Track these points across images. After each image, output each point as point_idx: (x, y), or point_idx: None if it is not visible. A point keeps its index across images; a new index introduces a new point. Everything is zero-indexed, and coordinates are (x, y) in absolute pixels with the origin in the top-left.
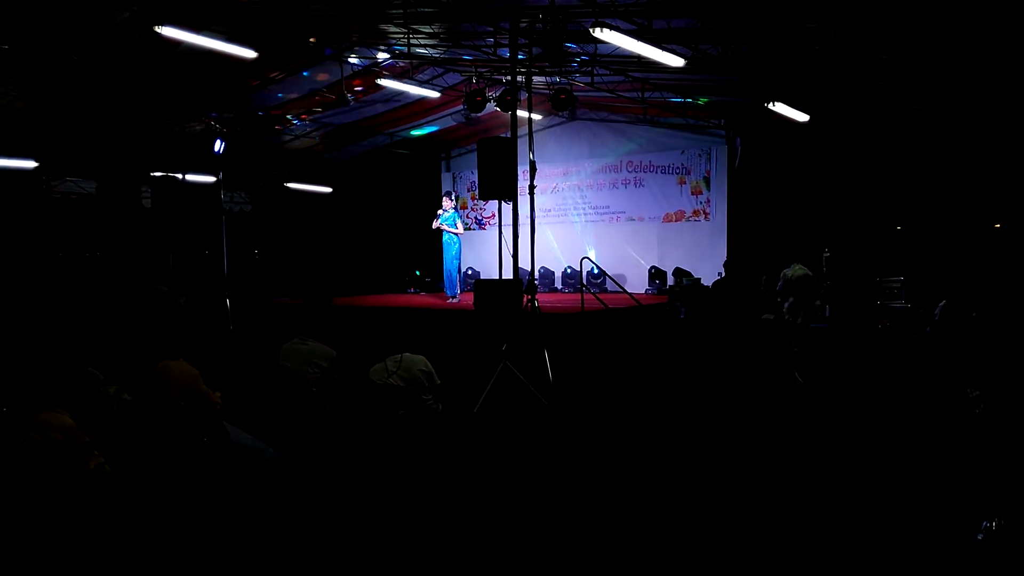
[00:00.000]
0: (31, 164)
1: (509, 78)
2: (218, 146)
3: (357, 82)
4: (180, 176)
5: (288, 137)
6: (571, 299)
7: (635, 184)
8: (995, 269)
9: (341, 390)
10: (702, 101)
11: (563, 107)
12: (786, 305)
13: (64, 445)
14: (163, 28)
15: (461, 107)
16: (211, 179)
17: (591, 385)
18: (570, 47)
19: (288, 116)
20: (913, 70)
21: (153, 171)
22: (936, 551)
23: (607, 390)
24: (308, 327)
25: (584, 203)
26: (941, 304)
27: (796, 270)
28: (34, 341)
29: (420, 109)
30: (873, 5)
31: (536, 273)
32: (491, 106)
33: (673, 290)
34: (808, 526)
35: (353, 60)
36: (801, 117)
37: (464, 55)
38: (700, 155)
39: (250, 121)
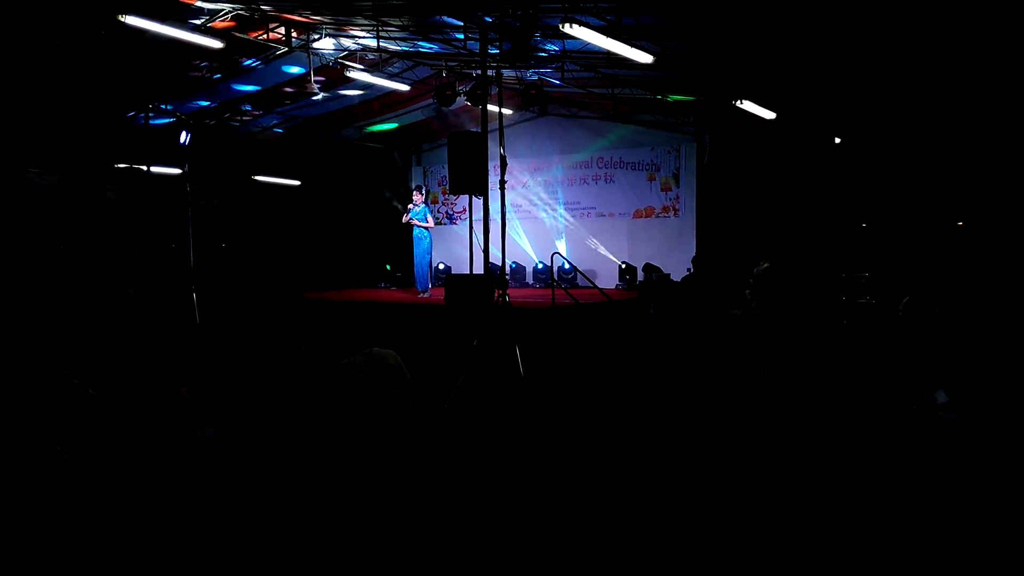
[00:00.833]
0: None
1: (479, 72)
2: (183, 138)
3: (326, 74)
4: (145, 168)
5: (256, 129)
6: (542, 294)
7: (605, 180)
8: (958, 266)
9: (309, 384)
10: (671, 98)
11: (533, 102)
12: (755, 301)
13: (24, 440)
14: (127, 17)
15: (431, 101)
16: (177, 171)
17: (562, 379)
18: (540, 43)
19: (254, 109)
20: (878, 70)
21: (117, 163)
22: (892, 551)
23: (578, 384)
24: (274, 321)
25: (555, 199)
26: (904, 300)
27: (762, 266)
28: None
29: (390, 102)
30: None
31: (507, 268)
32: (462, 100)
33: (643, 285)
34: (769, 519)
35: (321, 52)
36: (768, 115)
37: (434, 48)
38: (670, 152)
39: (215, 112)
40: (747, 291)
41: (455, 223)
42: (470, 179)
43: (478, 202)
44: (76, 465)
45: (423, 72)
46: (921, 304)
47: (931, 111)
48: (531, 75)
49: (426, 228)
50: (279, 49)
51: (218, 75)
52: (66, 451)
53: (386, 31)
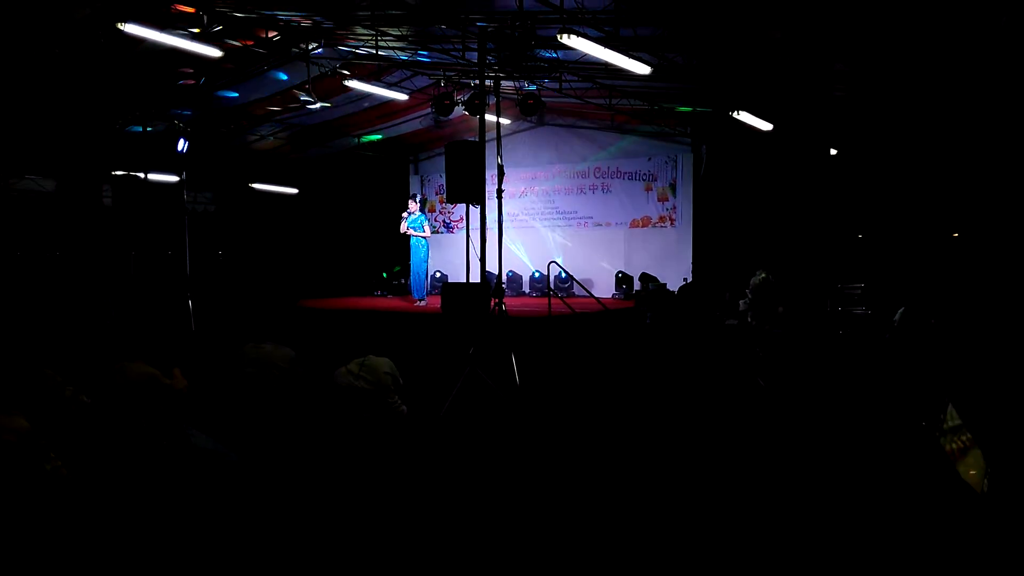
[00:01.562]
0: None
1: (477, 82)
2: (181, 145)
3: (324, 84)
4: (142, 175)
5: (253, 137)
6: (539, 303)
7: (602, 190)
8: (953, 277)
9: (305, 392)
10: (670, 109)
11: (531, 112)
12: (751, 312)
13: (18, 447)
14: (126, 25)
15: (429, 110)
16: (174, 179)
17: (558, 388)
18: (538, 53)
19: (251, 117)
20: (872, 80)
21: (114, 170)
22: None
23: (574, 394)
24: (264, 329)
25: (552, 208)
26: (900, 311)
27: (759, 276)
28: None
29: (388, 111)
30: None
31: (504, 277)
32: (459, 110)
33: (639, 295)
34: (762, 527)
35: (320, 61)
36: (765, 126)
37: (433, 58)
38: (666, 162)
39: (213, 120)
40: (742, 301)
41: (452, 232)
42: (468, 188)
43: (475, 211)
44: (70, 472)
45: (422, 81)
46: (916, 315)
47: (927, 122)
48: (529, 85)
49: (423, 237)
50: (277, 58)
51: (215, 84)
52: (60, 458)
53: (384, 40)
